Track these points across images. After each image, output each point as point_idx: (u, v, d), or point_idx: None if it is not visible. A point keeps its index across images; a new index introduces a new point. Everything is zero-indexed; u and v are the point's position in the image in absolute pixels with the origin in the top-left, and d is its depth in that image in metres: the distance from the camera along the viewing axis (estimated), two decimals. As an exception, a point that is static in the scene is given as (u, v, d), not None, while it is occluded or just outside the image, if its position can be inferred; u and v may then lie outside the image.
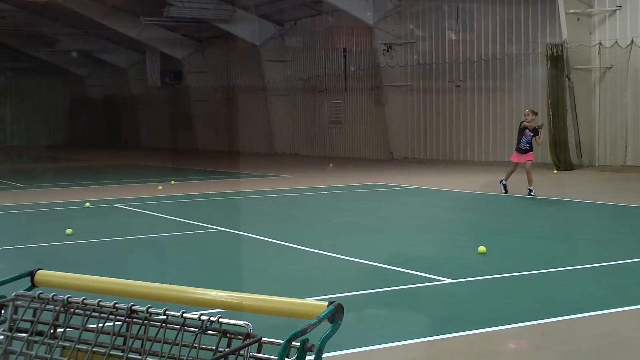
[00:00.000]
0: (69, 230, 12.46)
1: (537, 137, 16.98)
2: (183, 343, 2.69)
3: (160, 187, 20.63)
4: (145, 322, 2.81)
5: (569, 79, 23.78)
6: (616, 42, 23.03)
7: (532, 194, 16.74)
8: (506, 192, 17.24)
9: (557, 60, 23.74)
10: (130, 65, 50.87)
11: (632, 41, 22.51)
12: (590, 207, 15.64)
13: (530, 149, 17.08)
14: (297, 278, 9.10)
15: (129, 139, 53.40)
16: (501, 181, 17.51)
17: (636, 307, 7.24)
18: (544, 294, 7.94)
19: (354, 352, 5.97)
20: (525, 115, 17.31)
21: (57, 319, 3.02)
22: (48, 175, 28.13)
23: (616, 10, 23.16)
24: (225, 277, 9.28)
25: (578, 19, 23.76)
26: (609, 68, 23.39)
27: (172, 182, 22.58)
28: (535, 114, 17.28)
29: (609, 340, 6.35)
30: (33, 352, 2.97)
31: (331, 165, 29.02)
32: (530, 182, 16.89)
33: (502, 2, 26.99)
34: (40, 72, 56.75)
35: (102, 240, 12.27)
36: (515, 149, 17.45)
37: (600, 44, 23.52)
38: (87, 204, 16.70)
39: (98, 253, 11.13)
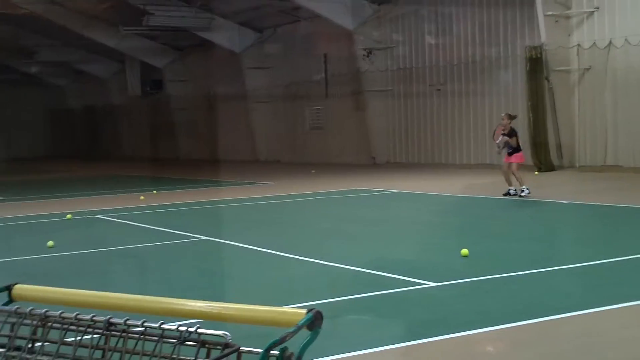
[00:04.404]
0: (50, 243, 12.39)
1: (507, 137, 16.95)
2: (162, 354, 2.67)
3: (142, 197, 20.55)
4: (124, 334, 2.80)
5: (548, 81, 23.89)
6: (594, 43, 23.16)
7: (515, 194, 16.81)
8: (510, 194, 17.02)
9: (536, 62, 23.86)
10: (111, 75, 50.72)
11: (610, 42, 22.66)
12: (571, 207, 15.72)
13: (515, 151, 17.02)
14: (280, 285, 9.09)
15: (110, 149, 53.18)
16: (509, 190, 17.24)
17: (617, 305, 7.28)
18: (527, 296, 7.97)
19: (339, 358, 5.96)
20: (502, 119, 17.40)
21: (35, 333, 2.99)
22: (29, 187, 27.98)
23: (594, 11, 23.29)
24: (208, 286, 9.25)
25: (556, 20, 23.89)
26: (588, 69, 23.52)
27: (154, 191, 22.51)
28: (511, 117, 17.25)
29: (591, 339, 6.38)
30: (11, 368, 2.95)
31: (313, 171, 29.02)
32: (509, 183, 16.94)
33: (480, 5, 27.10)
34: (19, 83, 56.45)
35: (84, 252, 12.20)
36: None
37: (578, 45, 23.65)
38: (69, 216, 16.62)
39: (80, 265, 11.07)
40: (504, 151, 17.22)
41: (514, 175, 16.85)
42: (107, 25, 39.24)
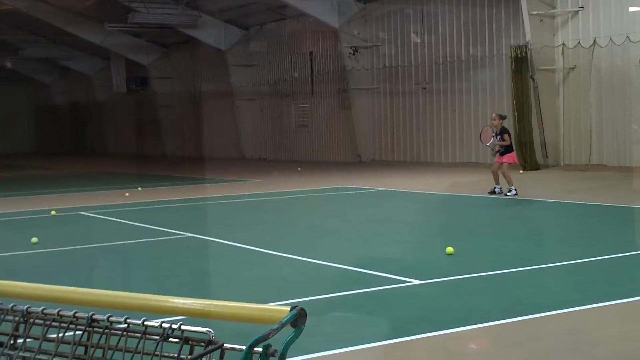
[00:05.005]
0: (34, 239, 12.32)
1: (498, 139, 16.99)
2: (145, 351, 2.66)
3: (127, 194, 20.48)
4: (106, 330, 2.77)
5: (533, 80, 23.97)
6: (579, 42, 23.25)
7: (500, 193, 16.86)
8: (496, 193, 17.03)
9: (521, 61, 23.93)
10: (96, 72, 50.51)
11: (594, 41, 22.74)
12: (556, 206, 15.77)
13: (507, 150, 17.05)
14: (265, 283, 9.07)
15: (95, 146, 53.00)
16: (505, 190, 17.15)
17: (602, 304, 7.30)
18: (512, 293, 7.98)
19: (323, 356, 5.95)
20: (492, 120, 17.42)
21: (16, 329, 2.97)
22: (13, 183, 27.82)
23: (578, 11, 23.38)
24: (193, 283, 9.22)
25: (541, 20, 23.97)
26: (573, 68, 23.61)
27: (139, 188, 22.42)
28: (502, 117, 17.29)
29: (576, 337, 6.39)
30: (-8, 364, 2.92)
31: (299, 168, 29.00)
32: (496, 181, 16.97)
33: (466, 4, 27.14)
34: (4, 80, 56.14)
35: (68, 248, 12.14)
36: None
37: (563, 44, 23.74)
38: (53, 212, 16.54)
39: (64, 261, 11.02)
40: (495, 149, 17.19)
41: (504, 175, 16.85)
42: (92, 22, 39.06)
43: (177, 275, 9.74)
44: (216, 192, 21.14)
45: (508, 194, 16.68)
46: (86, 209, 17.50)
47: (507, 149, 17.02)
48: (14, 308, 2.97)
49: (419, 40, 29.23)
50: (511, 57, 24.21)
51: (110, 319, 2.77)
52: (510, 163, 17.14)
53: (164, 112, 44.69)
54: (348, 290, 8.31)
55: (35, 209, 17.90)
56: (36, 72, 54.07)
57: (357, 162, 31.43)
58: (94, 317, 2.81)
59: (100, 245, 12.48)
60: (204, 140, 40.51)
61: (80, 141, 54.37)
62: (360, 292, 8.16)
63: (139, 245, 12.41)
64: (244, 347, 2.40)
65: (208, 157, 37.94)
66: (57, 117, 57.33)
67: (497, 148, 17.09)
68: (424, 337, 6.42)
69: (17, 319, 2.96)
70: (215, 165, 32.86)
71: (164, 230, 13.59)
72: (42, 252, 11.69)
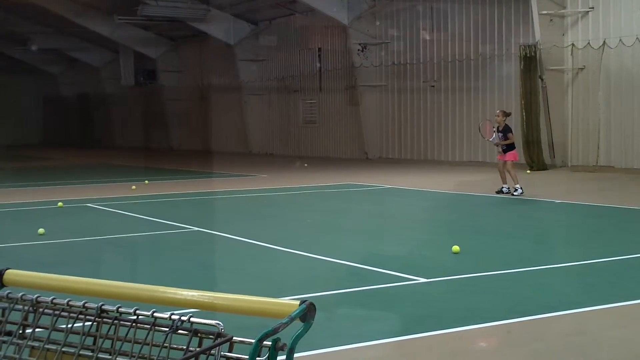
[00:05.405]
0: (41, 230, 12.35)
1: (501, 137, 16.96)
2: (154, 343, 2.67)
3: (133, 187, 20.50)
4: (116, 321, 2.79)
5: (542, 80, 23.93)
6: (588, 43, 23.20)
7: (507, 192, 16.84)
8: (503, 192, 16.99)
9: (530, 60, 23.89)
10: (104, 64, 50.53)
11: (604, 42, 22.69)
12: (562, 206, 15.73)
13: (509, 148, 17.04)
14: (271, 278, 9.08)
15: (102, 138, 53.05)
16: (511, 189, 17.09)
17: (607, 305, 7.29)
18: (517, 293, 7.97)
19: (328, 352, 5.96)
20: (496, 116, 17.43)
21: (26, 318, 2.98)
22: (20, 174, 27.88)
23: (588, 11, 23.33)
24: (199, 277, 9.23)
25: (551, 20, 23.92)
26: (582, 69, 23.56)
27: (146, 181, 22.45)
28: (506, 114, 17.29)
29: (581, 338, 6.39)
30: (2, 353, 2.93)
31: (306, 164, 29.00)
32: (504, 180, 16.96)
33: (476, 2, 27.10)
34: (12, 70, 56.19)
35: (75, 240, 12.16)
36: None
37: (572, 45, 23.69)
38: (60, 204, 16.56)
39: (70, 253, 11.04)
40: (499, 148, 17.18)
41: (509, 174, 16.86)
42: (101, 14, 39.08)
43: (182, 269, 9.75)
44: (223, 186, 21.16)
45: (515, 193, 16.67)
46: (93, 200, 17.53)
47: (509, 147, 17.02)
48: (24, 297, 2.98)
49: (428, 38, 29.20)
50: (520, 57, 24.18)
51: (120, 310, 2.78)
52: (513, 161, 17.11)
53: (172, 105, 44.72)
54: (354, 287, 8.32)
55: (42, 200, 17.94)
56: (44, 63, 54.12)
57: (364, 159, 31.42)
58: (103, 307, 2.82)
59: (106, 237, 12.50)
60: (211, 135, 40.53)
61: (87, 133, 54.43)
62: (365, 289, 8.16)
63: (145, 238, 12.42)
64: (253, 341, 2.41)
65: (215, 151, 37.95)
66: (64, 108, 57.39)
67: (500, 148, 17.05)
68: (428, 336, 6.42)
69: (26, 308, 2.97)
70: (222, 159, 32.88)
71: (170, 224, 13.61)
72: (48, 243, 11.71)
